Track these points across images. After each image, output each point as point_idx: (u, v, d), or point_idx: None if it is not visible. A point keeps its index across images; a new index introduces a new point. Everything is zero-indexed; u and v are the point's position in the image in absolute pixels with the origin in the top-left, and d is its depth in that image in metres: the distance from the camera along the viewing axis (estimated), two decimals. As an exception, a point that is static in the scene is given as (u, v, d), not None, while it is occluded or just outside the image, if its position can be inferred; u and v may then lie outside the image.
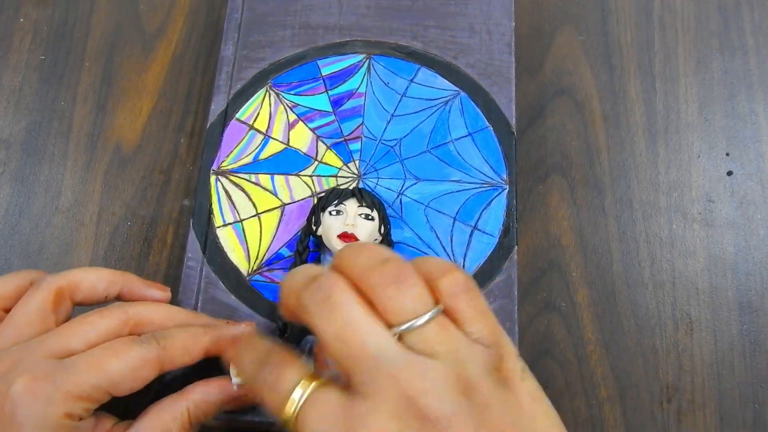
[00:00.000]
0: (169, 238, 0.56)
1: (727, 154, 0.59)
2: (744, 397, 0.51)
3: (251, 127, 0.54)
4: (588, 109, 0.60)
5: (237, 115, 0.55)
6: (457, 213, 0.51)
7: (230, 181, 0.53)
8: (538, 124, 0.60)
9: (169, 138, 0.59)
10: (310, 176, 0.53)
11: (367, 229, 0.48)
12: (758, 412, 0.51)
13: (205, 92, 0.61)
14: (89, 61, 0.62)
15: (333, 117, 0.55)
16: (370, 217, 0.49)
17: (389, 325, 0.30)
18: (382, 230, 0.49)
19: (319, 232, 0.49)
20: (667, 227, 0.56)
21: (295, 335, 0.46)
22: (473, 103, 0.55)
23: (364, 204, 0.49)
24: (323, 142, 0.54)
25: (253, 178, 0.53)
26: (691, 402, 0.51)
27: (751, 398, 0.51)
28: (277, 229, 0.51)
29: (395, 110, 0.55)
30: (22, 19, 0.64)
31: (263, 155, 0.53)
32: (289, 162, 0.53)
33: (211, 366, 0.43)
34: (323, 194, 0.51)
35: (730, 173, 0.58)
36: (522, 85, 0.60)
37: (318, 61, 0.56)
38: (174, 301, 0.46)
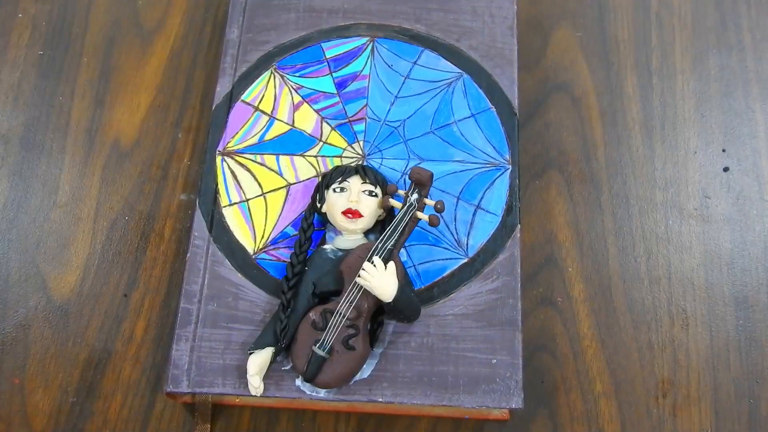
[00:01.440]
0: (167, 233, 0.56)
1: (724, 151, 0.59)
2: (739, 391, 0.51)
3: (256, 109, 0.55)
4: (585, 105, 0.60)
5: (242, 97, 0.55)
6: (460, 192, 0.52)
7: (236, 161, 0.53)
8: (536, 120, 0.60)
9: (167, 133, 0.59)
10: (315, 156, 0.53)
11: (371, 205, 0.49)
12: (753, 406, 0.51)
13: (203, 88, 0.61)
14: (87, 56, 0.62)
15: (337, 98, 0.55)
16: (373, 194, 0.49)
17: None
18: None
19: (324, 209, 0.50)
20: (663, 223, 0.56)
21: (297, 312, 0.47)
22: (476, 85, 0.55)
23: (367, 180, 0.50)
24: (328, 123, 0.54)
25: (258, 158, 0.53)
26: (686, 397, 0.51)
27: (747, 393, 0.51)
28: (282, 209, 0.52)
29: (399, 92, 0.55)
30: (20, 15, 0.64)
31: (268, 136, 0.54)
32: (293, 142, 0.54)
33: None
34: (327, 172, 0.52)
35: (726, 169, 0.58)
36: (519, 80, 0.60)
37: (322, 44, 0.57)
38: (180, 279, 0.45)
